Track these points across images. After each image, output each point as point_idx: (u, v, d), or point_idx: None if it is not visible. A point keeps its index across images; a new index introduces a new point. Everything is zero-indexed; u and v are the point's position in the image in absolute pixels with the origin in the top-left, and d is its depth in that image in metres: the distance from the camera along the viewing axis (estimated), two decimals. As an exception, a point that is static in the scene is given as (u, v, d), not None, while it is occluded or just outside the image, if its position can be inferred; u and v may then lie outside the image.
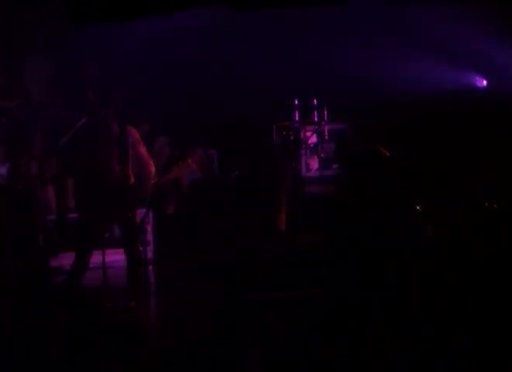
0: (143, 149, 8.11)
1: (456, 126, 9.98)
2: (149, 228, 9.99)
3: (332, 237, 5.48)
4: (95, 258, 7.98)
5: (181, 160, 10.74)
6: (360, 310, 5.34)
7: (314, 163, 10.49)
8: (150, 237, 10.05)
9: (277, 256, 6.62)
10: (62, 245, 9.86)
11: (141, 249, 7.91)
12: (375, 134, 9.72)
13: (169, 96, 11.09)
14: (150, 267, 9.96)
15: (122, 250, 8.20)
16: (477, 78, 10.45)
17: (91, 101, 8.27)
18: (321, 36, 10.61)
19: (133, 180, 8.02)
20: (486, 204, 7.64)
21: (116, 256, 8.70)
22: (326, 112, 10.61)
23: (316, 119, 10.64)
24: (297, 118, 10.74)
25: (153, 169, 8.12)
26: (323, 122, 10.46)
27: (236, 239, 7.12)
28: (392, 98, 10.07)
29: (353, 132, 10.38)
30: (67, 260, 9.12)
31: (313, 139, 10.39)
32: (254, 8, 10.08)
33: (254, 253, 6.66)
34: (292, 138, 10.35)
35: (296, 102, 10.79)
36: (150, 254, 9.85)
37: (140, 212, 8.11)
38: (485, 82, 10.44)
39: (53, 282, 9.05)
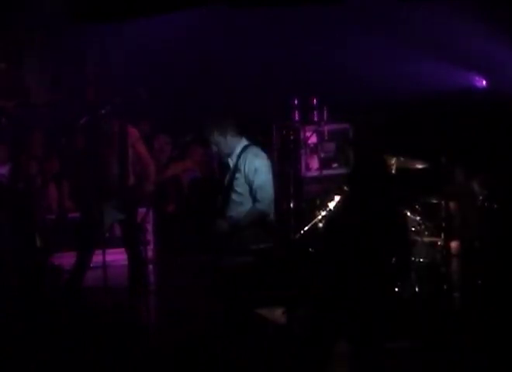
0: (142, 149, 8.13)
1: (455, 126, 9.97)
2: (149, 227, 10.00)
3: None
4: (96, 258, 7.99)
5: (180, 159, 10.75)
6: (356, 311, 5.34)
7: (314, 163, 10.48)
8: (150, 236, 10.06)
9: (276, 256, 6.62)
10: (62, 245, 9.88)
11: (141, 248, 7.92)
12: (376, 134, 9.73)
13: (169, 96, 11.08)
14: (150, 267, 9.96)
15: (122, 250, 8.22)
16: (476, 78, 10.44)
17: (91, 100, 8.29)
18: (321, 35, 10.60)
19: (132, 179, 8.03)
20: (486, 204, 7.64)
21: (117, 256, 8.71)
22: (326, 112, 10.61)
23: (316, 119, 10.64)
24: (297, 118, 10.74)
25: (152, 168, 8.14)
26: (323, 122, 10.45)
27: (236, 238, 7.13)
28: (391, 98, 10.06)
29: (355, 132, 10.39)
30: (67, 259, 9.14)
31: (313, 139, 10.39)
32: (253, 6, 10.08)
33: (254, 252, 6.66)
34: (291, 138, 10.34)
35: (296, 102, 10.79)
36: (150, 253, 9.86)
37: (141, 212, 8.11)
38: (484, 82, 10.42)
39: (53, 282, 9.05)
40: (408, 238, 6.07)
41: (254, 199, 6.71)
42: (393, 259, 5.35)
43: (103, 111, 7.84)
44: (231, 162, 6.78)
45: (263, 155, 6.84)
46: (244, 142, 6.82)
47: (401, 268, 5.46)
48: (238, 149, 6.77)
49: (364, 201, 5.34)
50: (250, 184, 6.70)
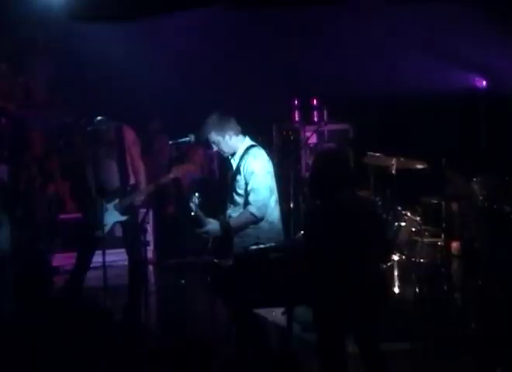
0: (136, 154, 8.09)
1: (456, 127, 9.98)
2: (149, 228, 10.00)
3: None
4: (96, 258, 8.00)
5: (180, 161, 10.74)
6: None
7: (314, 164, 10.48)
8: (150, 237, 10.06)
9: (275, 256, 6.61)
10: (62, 245, 9.88)
11: (141, 249, 7.91)
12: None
13: (169, 96, 11.09)
14: (150, 267, 9.97)
15: (123, 250, 8.22)
16: (476, 78, 10.45)
17: (89, 102, 8.29)
18: (321, 35, 10.61)
19: (133, 180, 8.03)
20: (486, 204, 7.64)
21: (117, 256, 8.72)
22: (326, 112, 10.61)
23: (316, 119, 10.64)
24: (297, 118, 10.74)
25: (142, 178, 8.08)
26: (323, 122, 10.46)
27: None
28: (392, 98, 10.07)
29: (355, 132, 10.40)
30: (67, 260, 9.14)
31: (313, 140, 10.39)
32: (254, 7, 10.08)
33: (252, 252, 6.65)
34: (291, 138, 10.35)
35: (296, 102, 10.79)
36: (150, 254, 9.86)
37: (141, 212, 8.11)
38: (484, 82, 10.43)
39: (54, 282, 9.06)
40: (384, 227, 6.09)
41: (246, 201, 6.61)
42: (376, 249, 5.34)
43: (102, 112, 7.85)
44: (234, 163, 6.73)
45: (265, 158, 6.69)
46: (248, 142, 6.72)
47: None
48: (241, 150, 6.69)
49: (333, 202, 5.33)
50: (246, 186, 6.62)
